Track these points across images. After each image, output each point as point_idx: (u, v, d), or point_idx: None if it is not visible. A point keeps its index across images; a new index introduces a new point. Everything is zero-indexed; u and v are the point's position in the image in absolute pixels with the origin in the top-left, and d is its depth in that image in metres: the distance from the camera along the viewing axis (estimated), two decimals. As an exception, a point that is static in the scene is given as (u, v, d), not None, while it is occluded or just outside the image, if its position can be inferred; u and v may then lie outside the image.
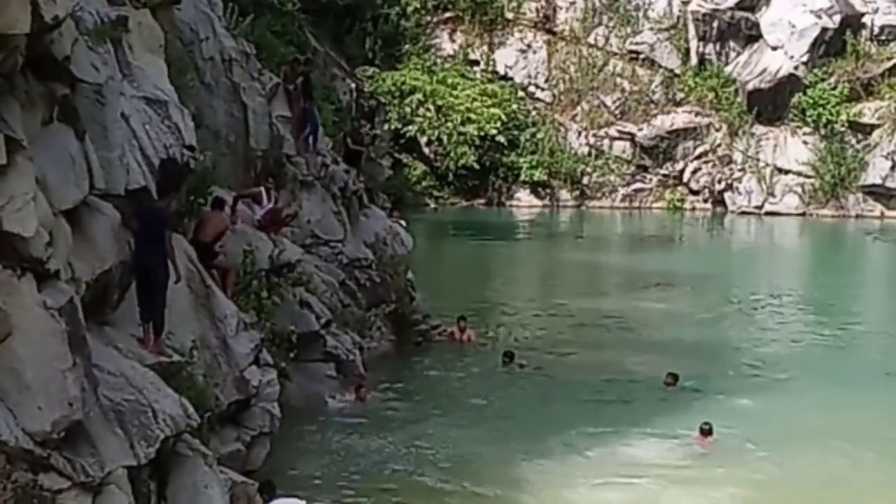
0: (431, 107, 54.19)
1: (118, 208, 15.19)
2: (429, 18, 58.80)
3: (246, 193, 23.02)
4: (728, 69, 58.49)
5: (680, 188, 58.58)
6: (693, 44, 59.05)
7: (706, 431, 20.41)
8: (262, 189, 23.23)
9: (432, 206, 54.83)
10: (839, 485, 18.59)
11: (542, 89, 59.60)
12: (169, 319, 15.64)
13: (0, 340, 11.71)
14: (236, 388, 17.43)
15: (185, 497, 13.81)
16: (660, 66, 59.39)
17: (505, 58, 59.38)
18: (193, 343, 16.48)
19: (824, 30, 56.96)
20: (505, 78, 58.84)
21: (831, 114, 56.13)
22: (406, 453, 19.35)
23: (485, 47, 59.55)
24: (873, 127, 56.25)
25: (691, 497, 18.12)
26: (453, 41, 59.44)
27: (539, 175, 57.15)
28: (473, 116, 54.36)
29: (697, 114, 58.45)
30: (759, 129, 57.63)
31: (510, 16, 60.05)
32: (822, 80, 56.80)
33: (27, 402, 11.68)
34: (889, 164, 55.53)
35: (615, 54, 59.65)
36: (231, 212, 21.48)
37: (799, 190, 57.01)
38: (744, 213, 56.93)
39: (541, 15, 60.08)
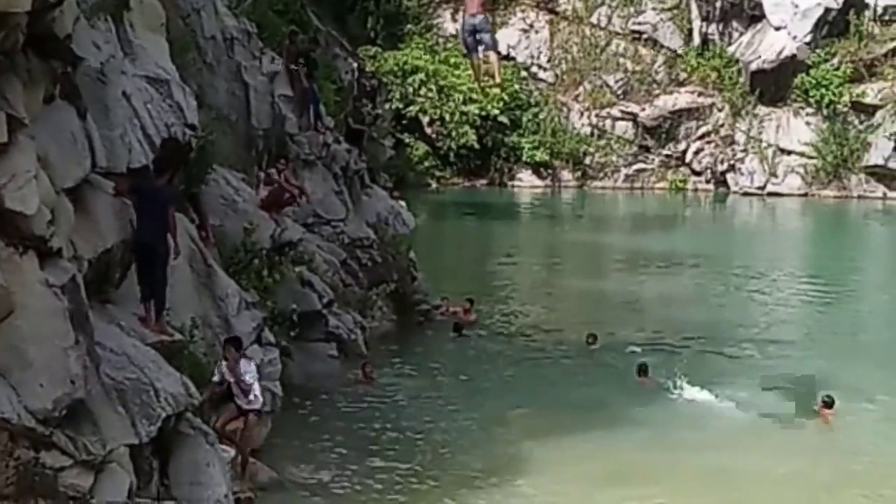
0: (433, 87, 54.16)
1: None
2: (431, -2, 58.77)
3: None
4: (731, 49, 58.46)
5: (682, 169, 58.60)
6: (696, 24, 59.00)
7: (643, 371, 22.33)
8: (274, 170, 23.37)
9: (434, 186, 54.82)
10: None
11: (545, 69, 59.57)
12: (170, 298, 15.64)
13: (2, 318, 11.72)
14: (238, 367, 17.43)
15: (186, 475, 13.83)
16: (662, 46, 59.35)
17: (507, 38, 59.25)
18: (195, 322, 16.49)
19: (827, 10, 56.89)
20: (507, 58, 58.65)
21: (834, 94, 56.10)
22: (404, 431, 19.37)
23: (487, 27, 59.37)
24: (876, 108, 56.25)
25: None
26: (455, 21, 59.24)
27: (541, 155, 57.14)
28: (475, 96, 54.29)
29: (700, 94, 58.43)
30: (762, 109, 57.63)
31: (513, -5, 59.98)
32: (825, 60, 56.77)
33: (29, 379, 11.69)
34: (892, 145, 55.55)
35: (618, 34, 59.60)
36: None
37: (801, 171, 57.03)
38: (746, 193, 56.95)
39: (543, -6, 60.01)
